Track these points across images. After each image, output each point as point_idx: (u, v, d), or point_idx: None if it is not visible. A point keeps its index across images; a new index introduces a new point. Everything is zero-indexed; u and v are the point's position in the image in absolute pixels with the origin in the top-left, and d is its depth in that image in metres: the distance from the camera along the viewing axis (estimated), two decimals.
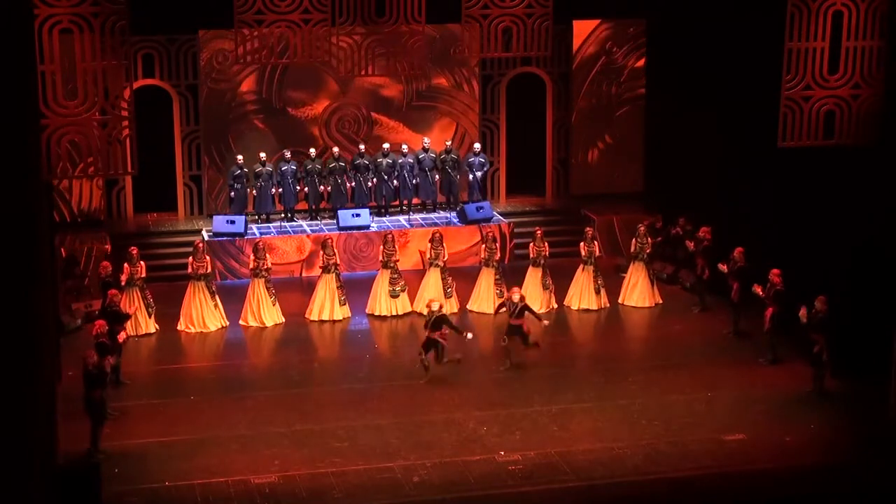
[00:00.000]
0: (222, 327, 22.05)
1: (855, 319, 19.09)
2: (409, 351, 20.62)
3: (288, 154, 25.76)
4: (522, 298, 20.23)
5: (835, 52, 18.24)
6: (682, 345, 21.24)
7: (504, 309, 20.61)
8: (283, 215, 25.69)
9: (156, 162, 25.03)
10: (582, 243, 23.05)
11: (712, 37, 22.98)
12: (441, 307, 19.87)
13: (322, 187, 25.74)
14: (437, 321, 19.43)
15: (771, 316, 19.72)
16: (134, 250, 21.72)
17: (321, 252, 22.73)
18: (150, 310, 21.65)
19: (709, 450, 17.20)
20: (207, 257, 22.25)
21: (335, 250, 22.61)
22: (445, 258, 22.76)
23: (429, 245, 22.93)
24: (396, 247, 23.03)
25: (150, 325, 21.75)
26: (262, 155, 25.42)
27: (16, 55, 13.03)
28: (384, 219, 25.96)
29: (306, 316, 22.43)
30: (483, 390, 19.32)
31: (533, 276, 22.86)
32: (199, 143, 26.24)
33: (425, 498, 15.96)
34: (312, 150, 25.86)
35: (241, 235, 24.56)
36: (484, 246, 23.18)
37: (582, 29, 27.40)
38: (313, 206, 25.89)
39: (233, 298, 22.59)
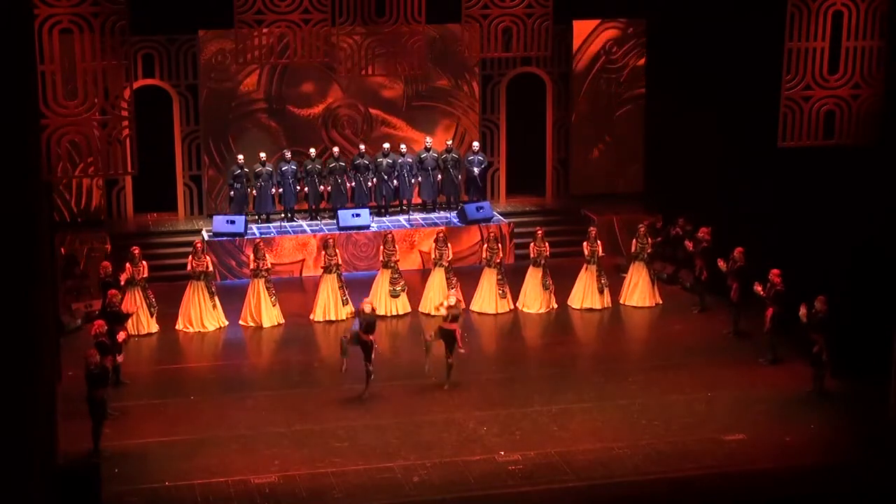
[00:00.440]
0: (220, 327, 22.06)
1: (855, 319, 19.08)
2: (409, 351, 20.62)
3: (288, 154, 25.76)
4: (459, 302, 19.63)
5: (835, 52, 18.24)
6: (682, 345, 21.24)
7: (444, 310, 19.57)
8: (283, 215, 25.70)
9: (156, 162, 25.03)
10: (585, 243, 23.06)
11: (712, 37, 22.98)
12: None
13: (322, 187, 25.75)
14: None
15: (771, 316, 19.72)
16: (136, 250, 21.74)
17: (322, 252, 22.75)
18: (151, 309, 21.67)
19: (709, 450, 17.20)
20: (207, 257, 22.26)
21: (337, 250, 22.62)
22: (450, 258, 22.77)
23: (433, 245, 22.94)
24: (397, 247, 23.04)
25: (151, 325, 21.77)
26: (262, 155, 25.43)
27: (16, 55, 13.02)
28: (384, 219, 25.97)
29: (311, 317, 22.43)
30: (483, 390, 19.32)
31: (533, 276, 22.88)
32: (199, 143, 26.25)
33: (425, 498, 15.96)
34: (312, 150, 25.87)
35: (241, 235, 24.56)
36: (486, 246, 23.18)
37: (582, 29, 27.41)
38: (313, 206, 25.89)
39: (233, 298, 22.60)
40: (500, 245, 23.19)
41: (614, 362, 20.55)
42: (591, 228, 23.62)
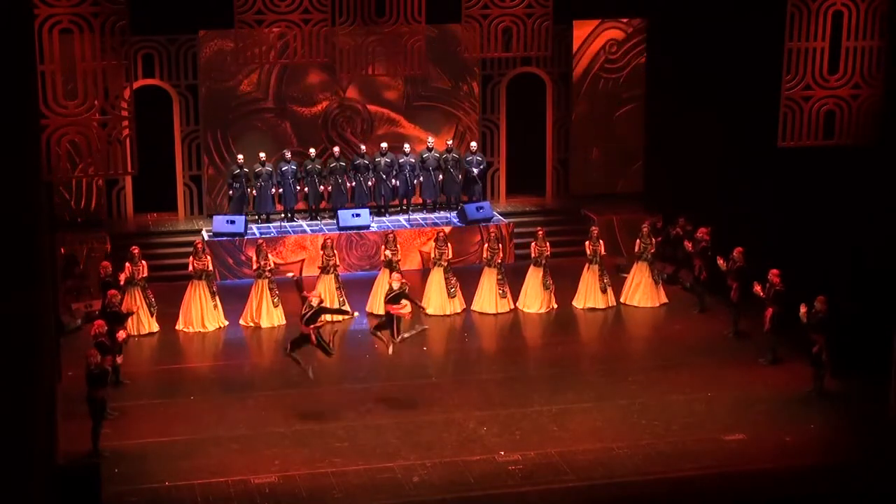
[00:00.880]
0: (220, 327, 22.06)
1: (855, 319, 19.08)
2: (409, 351, 20.61)
3: (288, 154, 25.76)
4: (403, 285, 19.43)
5: (835, 52, 18.24)
6: (683, 345, 21.23)
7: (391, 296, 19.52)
8: (283, 215, 25.69)
9: (156, 162, 25.02)
10: (587, 242, 23.07)
11: (712, 37, 22.99)
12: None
13: (322, 187, 25.74)
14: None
15: (771, 316, 19.72)
16: (136, 250, 21.74)
17: (320, 252, 22.74)
18: (151, 309, 21.68)
19: (709, 450, 17.20)
20: (208, 257, 22.26)
21: (335, 251, 22.61)
22: (450, 257, 22.76)
23: (433, 244, 22.92)
24: (398, 246, 23.03)
25: (151, 325, 21.77)
26: (262, 155, 25.42)
27: (16, 55, 13.01)
28: (384, 219, 25.96)
29: None
30: (483, 390, 19.32)
31: (534, 276, 22.88)
32: (199, 143, 26.24)
33: (425, 498, 15.96)
34: (312, 150, 25.86)
35: (241, 235, 24.56)
36: (486, 246, 23.18)
37: (582, 29, 27.40)
38: (313, 206, 25.89)
39: (233, 298, 22.59)
40: (500, 245, 23.19)
41: (614, 362, 20.55)
42: (593, 228, 23.63)
